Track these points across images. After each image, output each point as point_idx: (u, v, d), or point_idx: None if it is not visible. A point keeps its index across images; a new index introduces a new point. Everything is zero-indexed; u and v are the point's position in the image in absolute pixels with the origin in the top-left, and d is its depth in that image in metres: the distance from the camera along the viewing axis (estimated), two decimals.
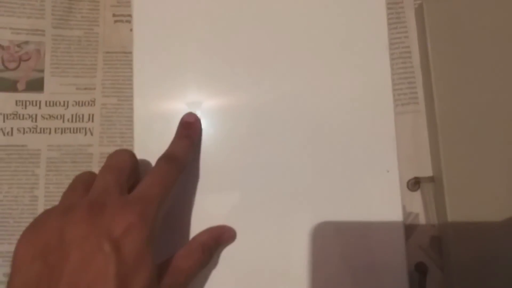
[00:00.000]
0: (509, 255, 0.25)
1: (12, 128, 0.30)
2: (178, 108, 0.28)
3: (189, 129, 0.27)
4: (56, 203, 0.29)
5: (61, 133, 0.30)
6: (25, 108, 0.30)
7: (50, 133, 0.30)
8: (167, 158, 0.24)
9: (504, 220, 0.26)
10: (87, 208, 0.20)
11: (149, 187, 0.22)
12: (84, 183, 0.22)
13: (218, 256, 0.27)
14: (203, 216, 0.27)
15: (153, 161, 0.27)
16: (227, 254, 0.26)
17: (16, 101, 0.30)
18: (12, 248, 0.29)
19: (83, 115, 0.30)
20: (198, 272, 0.23)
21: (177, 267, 0.22)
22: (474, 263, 0.26)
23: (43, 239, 0.19)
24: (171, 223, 0.27)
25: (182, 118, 0.27)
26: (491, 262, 0.26)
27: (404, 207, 0.28)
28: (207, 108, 0.28)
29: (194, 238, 0.25)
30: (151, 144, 0.28)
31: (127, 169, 0.23)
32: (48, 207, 0.29)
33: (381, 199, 0.26)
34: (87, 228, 0.19)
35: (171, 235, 0.27)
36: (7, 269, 0.29)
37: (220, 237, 0.26)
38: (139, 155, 0.28)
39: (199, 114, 0.28)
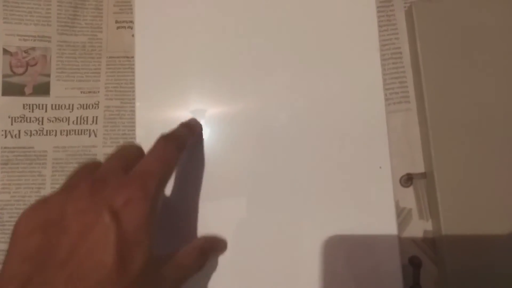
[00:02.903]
0: (503, 251, 0.26)
1: (19, 131, 0.31)
2: (178, 110, 0.29)
3: (189, 123, 0.28)
4: None
5: (67, 135, 0.31)
6: (32, 111, 0.31)
7: (56, 135, 0.31)
8: (166, 137, 0.24)
9: (496, 212, 0.27)
10: (89, 185, 0.20)
11: (150, 164, 0.22)
12: (89, 169, 0.22)
13: (225, 265, 0.27)
14: (205, 224, 0.28)
15: None
16: (232, 259, 0.27)
17: (24, 105, 0.32)
18: None
19: (87, 118, 0.31)
20: (194, 274, 0.23)
21: (177, 262, 0.23)
22: (470, 265, 0.26)
23: (44, 214, 0.19)
24: (175, 229, 0.28)
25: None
26: (486, 264, 0.26)
27: (397, 203, 0.28)
28: (206, 111, 0.29)
29: (192, 242, 0.25)
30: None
31: (132, 157, 0.23)
32: None
33: (374, 194, 0.27)
34: (87, 203, 0.19)
35: (174, 242, 0.28)
36: None
37: (215, 245, 0.27)
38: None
39: (198, 117, 0.29)
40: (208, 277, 0.27)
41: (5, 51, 0.32)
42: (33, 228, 0.19)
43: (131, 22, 0.32)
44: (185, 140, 0.25)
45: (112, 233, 0.18)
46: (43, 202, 0.20)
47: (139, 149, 0.24)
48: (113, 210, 0.19)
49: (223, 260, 0.27)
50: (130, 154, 0.23)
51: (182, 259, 0.23)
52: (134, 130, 0.29)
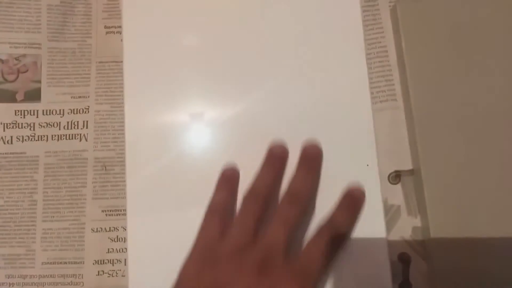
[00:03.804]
0: (490, 247, 0.26)
1: (11, 137, 0.32)
2: (167, 114, 0.30)
3: (348, 207, 0.26)
4: (54, 207, 0.31)
5: (58, 140, 0.32)
6: (24, 117, 0.32)
7: (47, 140, 0.32)
8: (331, 231, 0.25)
9: (483, 208, 0.27)
10: (256, 266, 0.22)
11: (314, 259, 0.23)
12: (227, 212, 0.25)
13: None
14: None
15: (146, 162, 0.29)
16: None
17: (15, 111, 0.32)
18: (13, 250, 0.30)
19: (78, 122, 0.32)
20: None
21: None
22: (458, 261, 0.26)
23: (211, 276, 0.22)
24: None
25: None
26: (474, 260, 0.26)
27: (386, 200, 0.29)
28: (194, 116, 0.29)
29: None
30: (142, 148, 0.29)
31: (295, 221, 0.24)
32: (47, 210, 0.31)
33: None
34: (253, 282, 0.21)
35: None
36: (9, 271, 0.30)
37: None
38: (131, 159, 0.29)
39: (186, 121, 0.29)
40: None
41: None
42: (198, 283, 0.22)
43: (120, 27, 0.33)
44: (347, 236, 0.26)
45: None
46: (212, 259, 0.23)
47: (298, 205, 0.25)
48: None
49: None
50: (293, 218, 0.24)
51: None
52: (124, 134, 0.30)
